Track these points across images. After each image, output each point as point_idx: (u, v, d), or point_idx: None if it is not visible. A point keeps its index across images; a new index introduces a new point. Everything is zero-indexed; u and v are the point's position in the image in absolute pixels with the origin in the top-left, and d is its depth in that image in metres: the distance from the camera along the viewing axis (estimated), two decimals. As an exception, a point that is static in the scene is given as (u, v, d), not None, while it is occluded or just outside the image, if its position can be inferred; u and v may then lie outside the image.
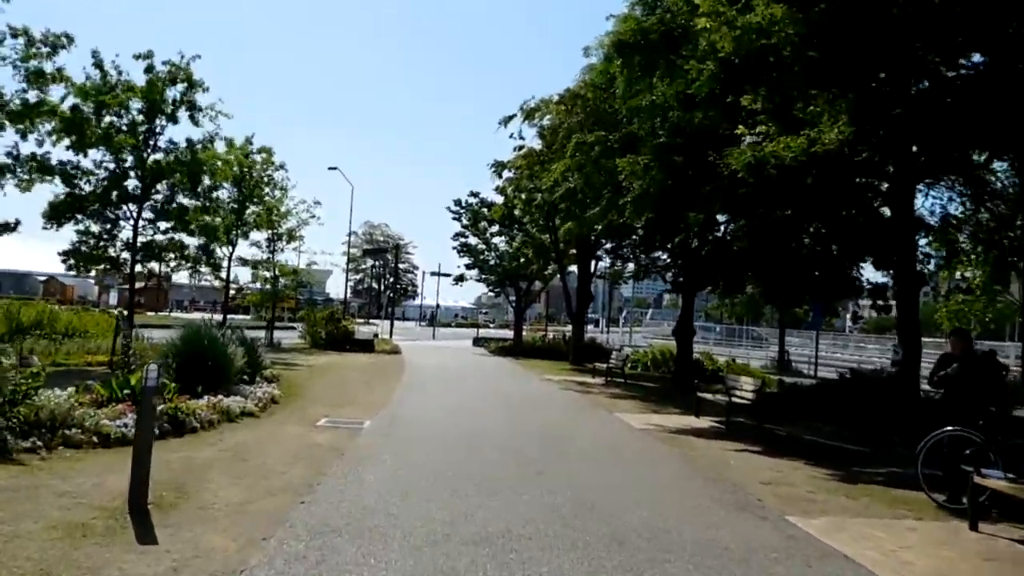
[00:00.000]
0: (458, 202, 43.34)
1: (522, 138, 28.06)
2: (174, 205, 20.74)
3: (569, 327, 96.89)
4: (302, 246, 33.85)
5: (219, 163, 22.48)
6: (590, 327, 62.67)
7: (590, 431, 13.59)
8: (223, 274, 27.76)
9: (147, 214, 20.48)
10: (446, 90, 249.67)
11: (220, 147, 23.01)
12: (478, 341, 47.74)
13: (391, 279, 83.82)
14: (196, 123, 20.36)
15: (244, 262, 29.27)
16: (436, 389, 19.13)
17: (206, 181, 21.66)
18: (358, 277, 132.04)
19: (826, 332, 68.81)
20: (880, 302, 22.98)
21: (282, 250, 33.72)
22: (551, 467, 9.74)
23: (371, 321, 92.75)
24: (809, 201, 19.13)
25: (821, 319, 45.36)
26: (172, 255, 21.56)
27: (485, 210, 42.04)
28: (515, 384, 22.64)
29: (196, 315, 74.80)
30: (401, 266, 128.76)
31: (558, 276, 39.41)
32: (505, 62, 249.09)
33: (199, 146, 20.65)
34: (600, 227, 26.35)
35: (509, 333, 61.50)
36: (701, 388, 17.62)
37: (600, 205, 19.18)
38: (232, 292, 30.89)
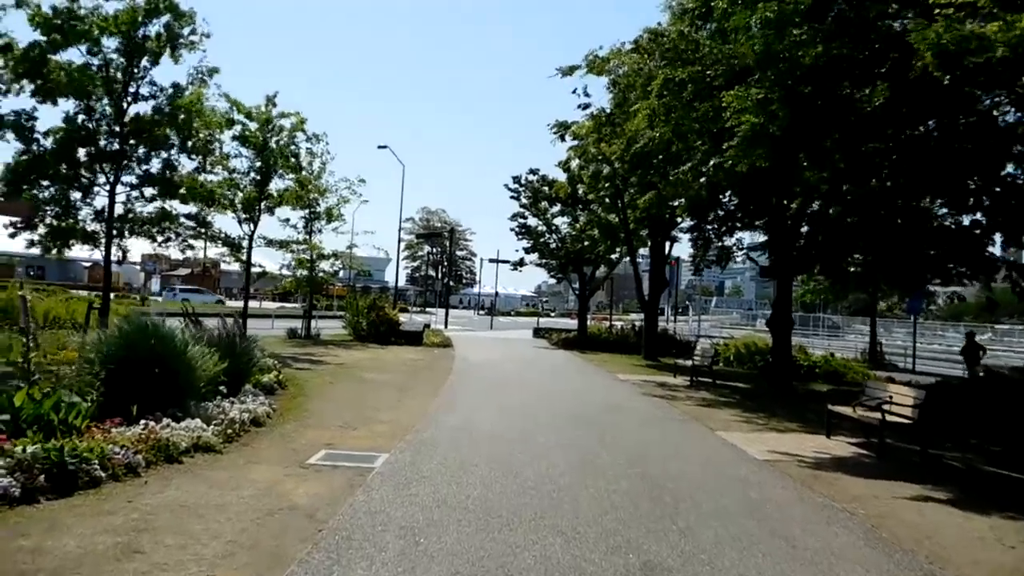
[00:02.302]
0: (517, 179, 39.47)
1: (587, 95, 23.79)
2: (158, 166, 17.19)
3: (634, 316, 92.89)
4: (342, 227, 30.30)
5: (210, 107, 18.72)
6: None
7: (698, 467, 9.59)
8: (243, 255, 24.28)
9: (129, 178, 17.05)
10: (508, 73, 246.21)
11: (215, 98, 19.40)
12: (539, 332, 43.90)
13: (448, 266, 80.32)
14: (176, 60, 16.67)
15: (269, 242, 25.85)
16: (487, 398, 15.31)
17: (200, 135, 18.00)
18: (415, 264, 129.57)
19: (890, 319, 63.61)
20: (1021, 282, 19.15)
21: (320, 231, 30.25)
22: (661, 554, 5.84)
23: (427, 310, 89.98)
24: (951, 159, 15.01)
25: (920, 305, 40.42)
26: (157, 228, 17.98)
27: (546, 188, 38.14)
28: (586, 388, 18.71)
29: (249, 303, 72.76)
30: (459, 253, 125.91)
31: (627, 260, 35.25)
32: (575, 30, 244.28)
33: (189, 89, 17.05)
34: (682, 201, 22.27)
35: (571, 322, 57.57)
36: (833, 399, 13.44)
37: (692, 161, 15.08)
38: (257, 277, 27.42)
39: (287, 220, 28.09)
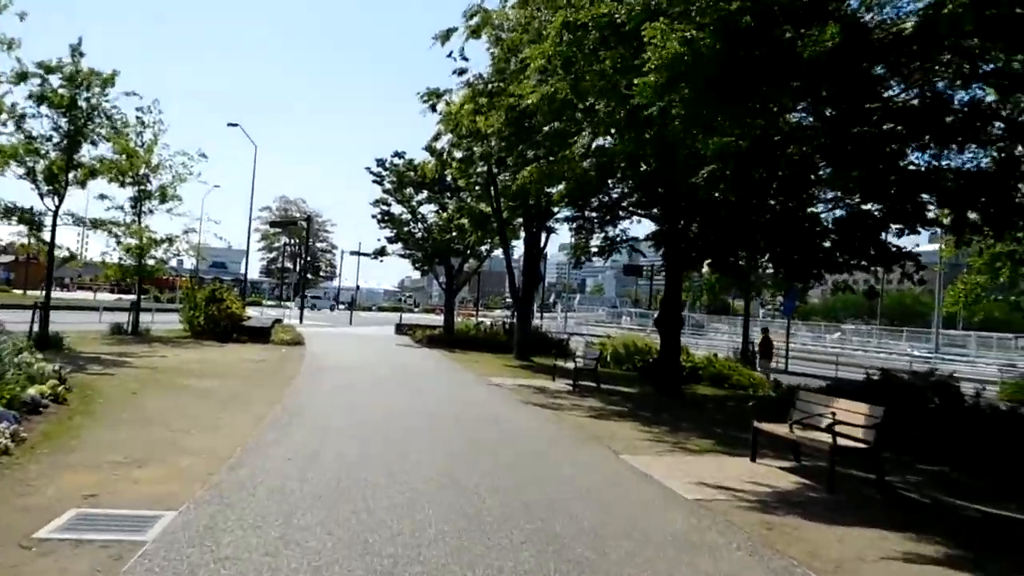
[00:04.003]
0: (381, 162, 36.37)
1: (464, 59, 20.91)
2: None
3: (498, 312, 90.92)
4: (178, 208, 26.33)
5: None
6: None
7: (617, 517, 7.06)
8: (46, 235, 20.05)
9: None
10: (378, 51, 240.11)
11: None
12: (402, 328, 40.82)
13: (305, 257, 75.69)
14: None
15: (79, 220, 21.74)
16: (335, 413, 12.31)
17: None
18: (271, 256, 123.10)
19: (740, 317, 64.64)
20: (916, 272, 18.21)
21: (151, 211, 26.21)
22: None
23: (283, 303, 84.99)
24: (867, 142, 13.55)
25: (794, 305, 40.37)
26: None
27: (412, 172, 35.18)
28: (459, 398, 16.00)
29: (80, 294, 65.90)
30: (319, 246, 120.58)
31: (500, 252, 32.82)
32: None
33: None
34: (560, 188, 19.99)
35: (435, 318, 54.79)
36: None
37: (591, 126, 12.65)
38: (62, 262, 23.04)
39: (102, 196, 23.99)
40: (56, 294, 56.31)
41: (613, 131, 13.71)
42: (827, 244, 18.60)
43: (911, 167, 16.22)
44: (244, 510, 6.31)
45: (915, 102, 14.95)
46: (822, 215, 19.05)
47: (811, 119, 16.39)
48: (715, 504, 7.76)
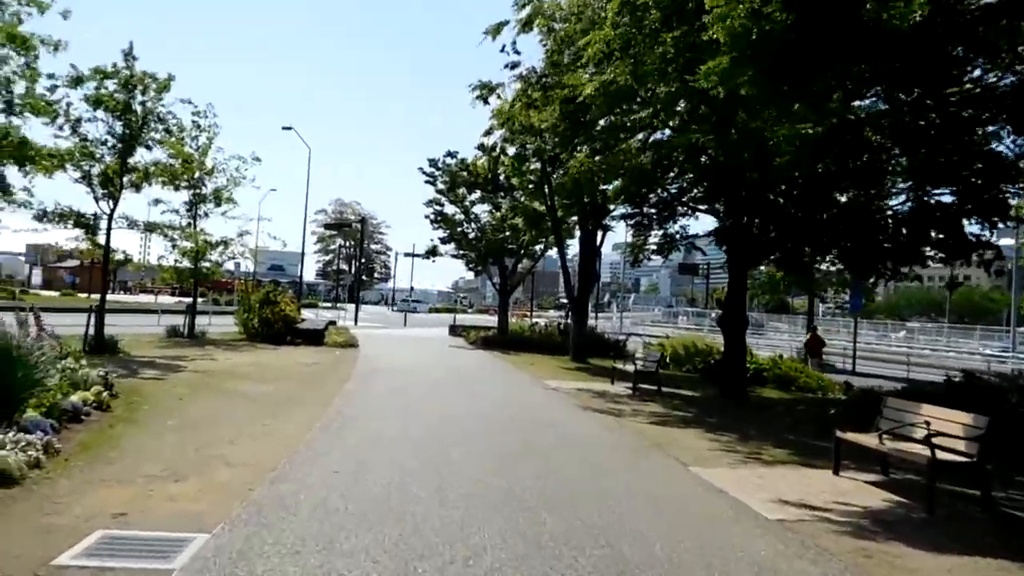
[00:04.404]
0: (433, 162, 35.98)
1: (517, 52, 20.32)
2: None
3: (552, 312, 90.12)
4: (233, 210, 26.24)
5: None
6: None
7: (691, 541, 6.32)
8: (100, 238, 20.01)
9: None
10: (427, 52, 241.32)
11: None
12: (456, 329, 40.42)
13: (359, 259, 76.00)
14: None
15: (133, 224, 21.67)
16: (388, 419, 11.75)
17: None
18: (327, 258, 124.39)
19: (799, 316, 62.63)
20: (994, 261, 17.37)
21: (207, 215, 26.21)
22: None
23: (339, 305, 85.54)
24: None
25: (861, 301, 38.80)
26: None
27: (464, 172, 34.76)
28: (514, 402, 15.37)
29: (142, 297, 67.16)
30: (374, 247, 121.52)
31: (554, 251, 32.20)
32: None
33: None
34: (616, 184, 19.21)
35: (489, 319, 54.27)
36: (842, 424, 10.35)
37: (652, 107, 11.91)
38: (117, 265, 23.04)
39: (157, 201, 24.05)
40: (118, 297, 57.33)
41: (671, 122, 12.97)
42: (900, 238, 17.59)
43: (992, 154, 15.25)
44: (283, 532, 5.78)
45: (1003, 83, 13.95)
46: (894, 207, 18.06)
47: (883, 104, 15.47)
48: (801, 526, 6.99)
